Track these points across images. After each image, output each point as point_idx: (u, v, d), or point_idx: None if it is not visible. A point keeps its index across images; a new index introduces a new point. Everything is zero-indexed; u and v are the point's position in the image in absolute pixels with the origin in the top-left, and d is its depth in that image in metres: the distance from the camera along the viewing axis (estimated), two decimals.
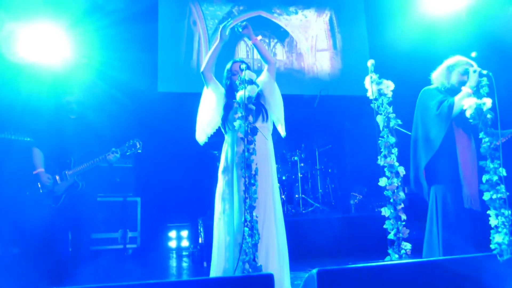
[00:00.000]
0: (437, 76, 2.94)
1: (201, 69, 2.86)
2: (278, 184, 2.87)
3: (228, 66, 2.90)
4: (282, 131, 2.87)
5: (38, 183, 3.24)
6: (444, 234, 2.65)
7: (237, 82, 2.57)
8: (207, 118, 2.83)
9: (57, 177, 3.26)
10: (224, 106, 2.84)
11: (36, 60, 5.25)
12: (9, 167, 4.25)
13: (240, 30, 2.79)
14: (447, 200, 2.69)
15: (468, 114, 2.60)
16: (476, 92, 2.65)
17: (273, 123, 2.87)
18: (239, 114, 2.47)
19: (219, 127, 2.90)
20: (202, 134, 2.85)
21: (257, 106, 2.73)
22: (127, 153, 3.41)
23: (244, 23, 2.81)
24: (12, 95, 4.94)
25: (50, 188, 3.23)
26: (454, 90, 2.81)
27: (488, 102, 2.57)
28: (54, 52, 5.47)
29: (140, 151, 3.45)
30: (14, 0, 4.97)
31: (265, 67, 2.86)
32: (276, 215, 2.66)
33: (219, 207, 2.69)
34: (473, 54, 6.34)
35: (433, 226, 2.75)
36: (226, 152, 2.80)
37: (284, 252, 2.67)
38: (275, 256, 2.55)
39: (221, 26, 2.82)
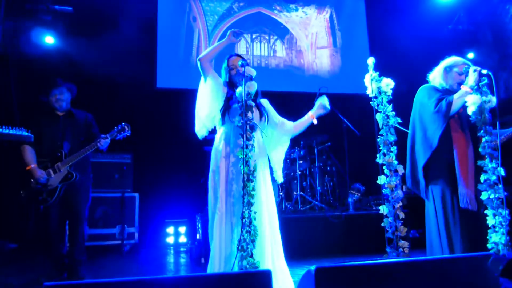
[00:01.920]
0: (434, 77, 2.94)
1: (199, 57, 2.75)
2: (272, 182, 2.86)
3: (225, 61, 2.87)
4: (280, 176, 2.97)
5: (31, 179, 3.23)
6: (444, 233, 2.65)
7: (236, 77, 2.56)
8: (206, 111, 2.75)
9: (50, 171, 3.26)
10: (224, 97, 2.82)
11: (28, 54, 5.25)
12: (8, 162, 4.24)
13: None
14: (445, 199, 2.69)
15: (470, 111, 2.60)
16: (476, 91, 2.64)
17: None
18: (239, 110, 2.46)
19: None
20: (202, 128, 2.79)
21: (260, 108, 2.74)
22: (117, 137, 3.41)
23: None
24: (8, 89, 4.93)
25: (44, 182, 3.23)
26: (451, 91, 2.80)
27: (493, 100, 2.57)
28: (49, 47, 5.47)
29: (129, 134, 3.45)
30: None
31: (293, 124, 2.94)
32: (269, 212, 2.65)
33: (214, 203, 2.64)
34: (471, 56, 6.36)
35: (431, 226, 2.75)
36: (219, 145, 2.72)
37: (278, 248, 2.66)
38: (269, 252, 2.54)
39: (231, 31, 2.75)
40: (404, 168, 2.50)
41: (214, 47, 2.78)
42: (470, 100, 2.59)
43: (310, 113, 2.93)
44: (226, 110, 2.72)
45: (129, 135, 3.46)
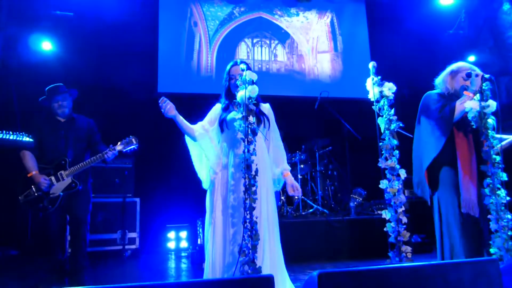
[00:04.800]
0: (441, 82, 2.95)
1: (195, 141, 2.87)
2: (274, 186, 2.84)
3: (228, 68, 2.85)
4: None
5: (32, 186, 3.20)
6: (447, 239, 2.64)
7: (238, 82, 2.54)
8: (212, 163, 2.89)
9: (53, 178, 3.23)
10: (223, 108, 2.82)
11: (30, 60, 5.26)
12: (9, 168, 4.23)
13: None
14: (448, 205, 2.68)
15: (469, 116, 2.60)
16: (479, 96, 2.64)
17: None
18: (240, 115, 2.45)
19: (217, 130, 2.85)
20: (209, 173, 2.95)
21: (258, 113, 2.72)
22: (124, 150, 3.39)
23: None
24: (8, 96, 4.94)
25: (46, 190, 3.20)
26: (457, 96, 2.81)
27: (492, 104, 2.56)
28: (50, 52, 5.48)
29: (136, 147, 3.44)
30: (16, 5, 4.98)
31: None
32: (269, 216, 2.63)
33: (209, 213, 2.68)
34: (472, 59, 6.36)
35: (437, 231, 2.74)
36: (221, 152, 2.77)
37: (279, 254, 2.64)
38: (268, 257, 2.53)
39: (163, 111, 2.72)
40: (406, 172, 2.49)
41: (183, 130, 2.93)
42: (467, 106, 2.59)
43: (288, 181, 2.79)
44: (224, 118, 2.74)
45: (136, 149, 3.45)
